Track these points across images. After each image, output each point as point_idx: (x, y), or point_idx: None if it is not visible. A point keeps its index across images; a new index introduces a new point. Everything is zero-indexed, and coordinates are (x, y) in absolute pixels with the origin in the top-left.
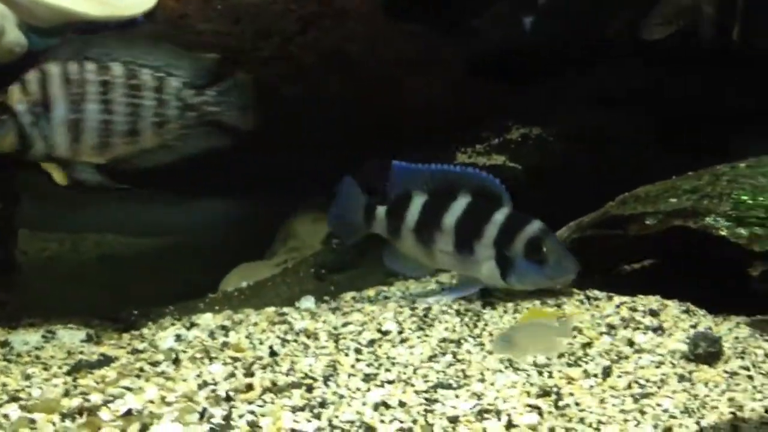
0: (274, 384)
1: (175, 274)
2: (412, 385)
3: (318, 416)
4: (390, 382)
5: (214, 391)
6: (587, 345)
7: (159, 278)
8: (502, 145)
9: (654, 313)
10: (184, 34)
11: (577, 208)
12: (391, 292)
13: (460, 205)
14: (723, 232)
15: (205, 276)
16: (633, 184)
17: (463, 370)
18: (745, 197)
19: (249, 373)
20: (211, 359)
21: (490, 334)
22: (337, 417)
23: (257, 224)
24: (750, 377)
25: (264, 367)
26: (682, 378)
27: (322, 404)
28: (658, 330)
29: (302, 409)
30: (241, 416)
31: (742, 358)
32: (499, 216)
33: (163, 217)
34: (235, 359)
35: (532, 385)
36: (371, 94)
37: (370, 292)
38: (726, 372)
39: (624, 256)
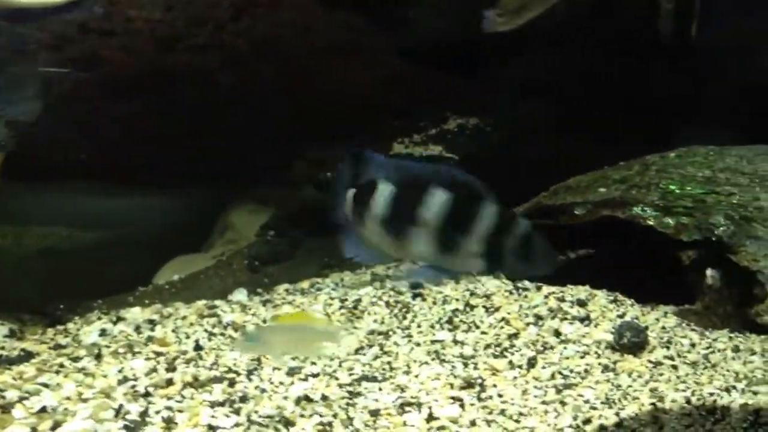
0: (195, 379)
1: (116, 266)
2: (337, 378)
3: (237, 411)
4: (314, 376)
5: (133, 386)
6: (514, 336)
7: (100, 271)
8: (439, 135)
9: (582, 303)
10: (115, 21)
11: (514, 198)
12: (325, 283)
13: (440, 198)
14: (650, 222)
15: (148, 268)
16: (569, 173)
17: (389, 363)
18: (673, 187)
19: (171, 368)
20: (134, 354)
21: (419, 326)
22: (256, 412)
23: (196, 216)
24: (674, 367)
25: (187, 362)
26: (606, 368)
27: (243, 399)
28: (585, 320)
29: (222, 404)
30: (157, 412)
31: (668, 347)
32: (488, 211)
33: (105, 209)
34: (159, 354)
35: (456, 377)
36: (304, 82)
37: (305, 284)
38: (650, 362)
39: (556, 246)
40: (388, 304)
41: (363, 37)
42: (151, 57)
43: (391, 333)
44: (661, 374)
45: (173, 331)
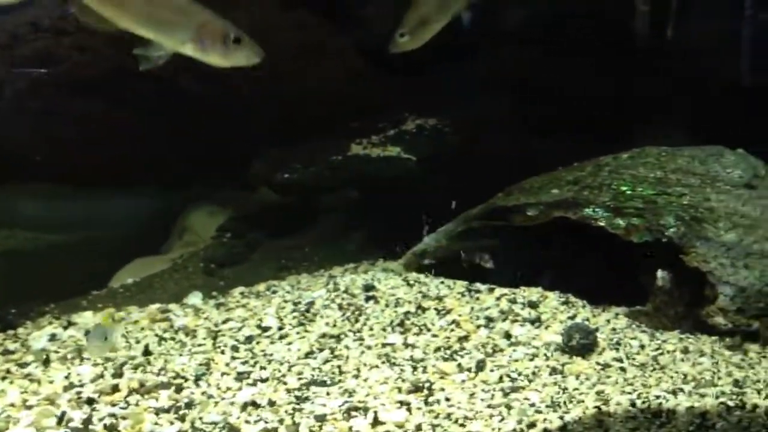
0: (142, 385)
1: (77, 269)
2: (285, 383)
3: (182, 418)
4: (263, 381)
5: (78, 393)
6: (464, 338)
7: (61, 274)
8: (398, 136)
9: (533, 305)
10: (68, 20)
11: (472, 198)
12: (281, 286)
13: None
14: (601, 223)
15: (106, 271)
16: (528, 173)
17: (339, 367)
18: (624, 188)
19: (118, 374)
20: (82, 360)
21: (371, 329)
22: (201, 419)
23: (156, 218)
24: (622, 369)
25: (135, 368)
26: (554, 371)
27: (189, 405)
28: (536, 322)
29: (167, 410)
30: (101, 419)
31: (617, 349)
32: None
33: (69, 212)
34: (108, 359)
35: (404, 380)
36: (261, 83)
37: (261, 287)
38: (598, 364)
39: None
40: (341, 306)
41: (321, 38)
42: (107, 56)
43: (342, 336)
44: (608, 376)
45: (123, 335)
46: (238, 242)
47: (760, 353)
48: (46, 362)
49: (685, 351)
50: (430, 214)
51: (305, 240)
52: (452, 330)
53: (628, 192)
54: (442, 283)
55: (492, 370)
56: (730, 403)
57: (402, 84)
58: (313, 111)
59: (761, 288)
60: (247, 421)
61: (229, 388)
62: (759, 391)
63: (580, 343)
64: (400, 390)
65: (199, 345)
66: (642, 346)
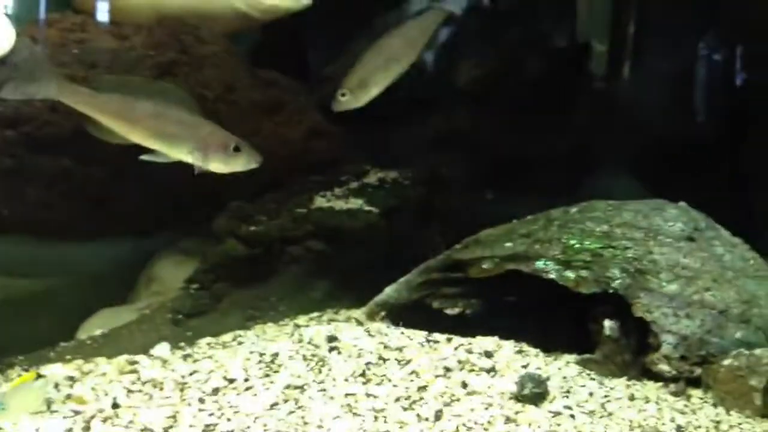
0: None
1: (44, 319)
2: None
3: None
4: None
5: None
6: (423, 388)
7: (30, 322)
8: (360, 188)
9: (489, 355)
10: None
11: (431, 250)
12: (247, 336)
13: None
14: (552, 275)
15: (73, 321)
16: (484, 225)
17: (303, 417)
18: (573, 241)
19: (87, 427)
20: (52, 412)
21: (334, 380)
22: None
23: (123, 267)
24: (572, 416)
25: (104, 420)
26: (507, 419)
27: None
28: (491, 371)
29: None
30: None
31: (567, 397)
32: None
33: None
34: (77, 412)
35: (365, 431)
36: None
37: (227, 337)
38: (550, 412)
39: (468, 298)
40: (305, 357)
41: (285, 95)
42: (75, 115)
43: (306, 387)
44: (559, 424)
45: (92, 388)
46: (204, 293)
47: (702, 398)
48: None
49: (632, 398)
50: (392, 264)
51: (271, 290)
52: (412, 380)
53: (577, 246)
54: (403, 333)
55: (449, 419)
56: None
57: (364, 139)
58: (279, 165)
59: (702, 336)
60: None
61: None
62: None
63: (532, 392)
64: None
65: (167, 397)
66: (591, 394)
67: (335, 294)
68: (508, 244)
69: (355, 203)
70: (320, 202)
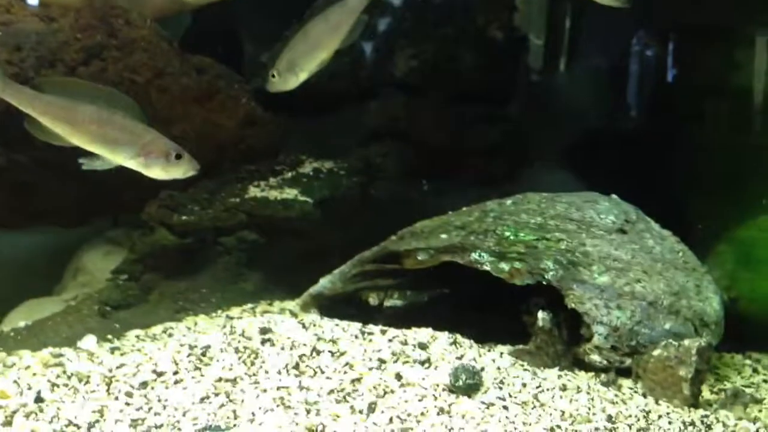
0: None
1: None
2: (179, 429)
3: None
4: (157, 427)
5: None
6: (357, 380)
7: None
8: (295, 178)
9: (423, 346)
10: None
11: (366, 241)
12: (177, 329)
13: None
14: (487, 267)
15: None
16: (419, 216)
17: (234, 411)
18: (507, 233)
19: (8, 422)
20: None
21: (266, 372)
22: None
23: (49, 258)
24: (505, 407)
25: (27, 415)
26: (441, 411)
27: None
28: (425, 363)
29: None
30: None
31: (500, 388)
32: None
33: None
34: None
35: (298, 424)
36: (157, 126)
37: (157, 330)
38: (483, 403)
39: (401, 290)
40: (237, 350)
41: (218, 81)
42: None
43: (238, 380)
44: (492, 415)
45: (15, 382)
46: (133, 284)
47: (632, 388)
48: None
49: (564, 388)
50: (326, 255)
51: (203, 281)
52: (345, 372)
53: (511, 237)
54: (337, 325)
55: (383, 411)
56: None
57: (298, 128)
58: (211, 154)
59: (632, 327)
60: None
61: None
62: (630, 426)
63: (466, 383)
64: None
65: (93, 391)
66: (524, 385)
67: (269, 285)
68: (444, 236)
69: (290, 193)
70: (254, 191)
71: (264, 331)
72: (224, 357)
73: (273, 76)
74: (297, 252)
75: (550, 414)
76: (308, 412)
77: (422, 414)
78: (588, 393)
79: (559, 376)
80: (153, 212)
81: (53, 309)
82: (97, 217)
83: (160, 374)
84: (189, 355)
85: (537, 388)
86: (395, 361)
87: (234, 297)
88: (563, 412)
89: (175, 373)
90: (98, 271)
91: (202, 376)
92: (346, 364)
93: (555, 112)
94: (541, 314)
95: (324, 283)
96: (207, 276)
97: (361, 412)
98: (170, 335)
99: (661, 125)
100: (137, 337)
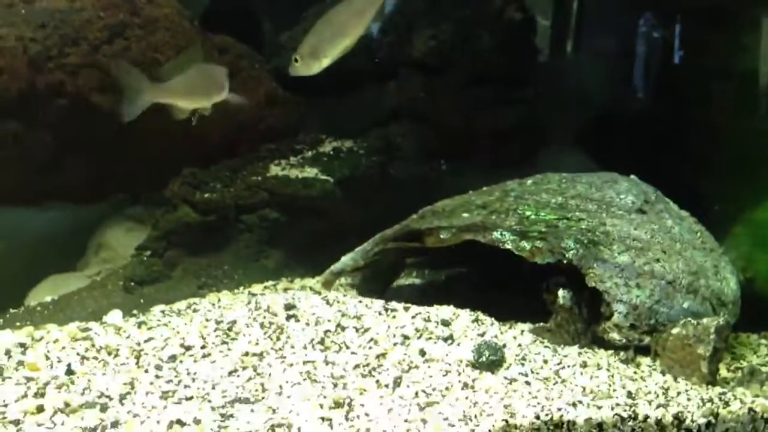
0: (66, 405)
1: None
2: (210, 401)
3: None
4: (188, 399)
5: (2, 413)
6: (382, 356)
7: None
8: (316, 157)
9: (446, 323)
10: None
11: (386, 219)
12: (201, 304)
13: None
14: (508, 246)
15: (21, 287)
16: (438, 196)
17: (262, 384)
18: (529, 213)
19: (41, 394)
20: (3, 379)
21: (292, 347)
22: None
23: (71, 234)
24: (527, 383)
25: (59, 387)
26: (465, 386)
27: (115, 424)
28: (449, 339)
29: (94, 429)
30: None
31: (522, 364)
32: None
33: None
34: (30, 379)
35: (326, 397)
36: None
37: (180, 305)
38: (506, 379)
39: (423, 268)
40: (262, 325)
41: (239, 61)
42: (21, 76)
43: (265, 354)
44: (515, 390)
45: (45, 355)
46: (157, 260)
47: (650, 366)
48: None
49: (584, 365)
50: (346, 233)
51: (225, 258)
52: (370, 348)
53: (532, 217)
54: (360, 302)
55: (408, 386)
56: (624, 414)
57: (319, 108)
58: (233, 132)
59: (651, 306)
60: None
61: (154, 407)
62: (650, 402)
63: (489, 359)
64: (321, 406)
65: (123, 364)
66: (545, 361)
67: (290, 263)
68: (466, 215)
69: (310, 172)
70: (275, 170)
71: (289, 307)
72: (250, 332)
73: (296, 60)
74: (317, 230)
75: (572, 390)
76: (335, 385)
77: (447, 389)
78: (608, 370)
79: (580, 354)
80: (176, 189)
81: (78, 284)
82: (115, 194)
83: (188, 348)
84: (216, 329)
85: (558, 364)
86: (419, 337)
87: (255, 274)
88: (584, 388)
89: (203, 347)
90: (121, 247)
91: (229, 350)
92: (371, 339)
93: (571, 95)
94: (561, 292)
95: (345, 260)
96: (229, 253)
97: (386, 386)
98: (195, 310)
99: (675, 107)
100: (162, 312)
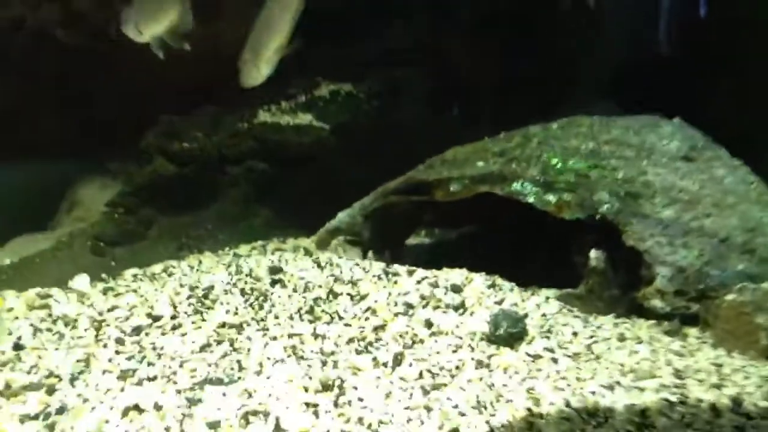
0: (8, 386)
1: None
2: (175, 383)
3: (51, 427)
4: (150, 380)
5: None
6: (380, 328)
7: None
8: (310, 102)
9: (457, 289)
10: None
11: (388, 169)
12: (179, 267)
13: None
14: (530, 199)
15: None
16: (447, 146)
17: (239, 361)
18: (554, 160)
19: None
20: None
21: (276, 317)
22: (72, 428)
23: (43, 192)
24: (554, 360)
25: (3, 364)
26: (479, 364)
27: (61, 410)
28: (460, 308)
29: (34, 417)
30: None
31: (548, 337)
32: None
33: None
34: None
35: (312, 378)
36: None
37: (156, 269)
38: (529, 355)
39: (431, 224)
40: (243, 291)
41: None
42: None
43: (244, 326)
44: (539, 369)
45: None
46: (130, 218)
47: (699, 338)
48: None
49: (621, 338)
50: (344, 186)
51: (208, 216)
52: (367, 318)
53: (559, 165)
54: (357, 264)
55: (411, 365)
56: (672, 398)
57: (316, 50)
58: (209, 73)
59: (700, 268)
60: (127, 430)
61: (109, 390)
62: (701, 382)
63: (508, 332)
64: (306, 389)
65: (80, 337)
66: (575, 334)
67: (280, 220)
68: (480, 163)
69: (304, 118)
70: (264, 116)
71: (274, 270)
72: (229, 300)
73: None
74: (311, 183)
75: (607, 368)
76: (324, 364)
77: (457, 368)
78: (650, 344)
79: (615, 325)
80: (151, 140)
81: (44, 245)
82: (93, 148)
83: (156, 319)
84: (189, 297)
85: (590, 337)
86: (425, 306)
87: (242, 233)
88: (622, 366)
89: (173, 317)
90: (95, 205)
91: (203, 321)
92: (368, 309)
93: (597, 41)
94: (593, 253)
95: (342, 217)
96: (212, 210)
97: (385, 365)
98: (170, 274)
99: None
100: (134, 276)
